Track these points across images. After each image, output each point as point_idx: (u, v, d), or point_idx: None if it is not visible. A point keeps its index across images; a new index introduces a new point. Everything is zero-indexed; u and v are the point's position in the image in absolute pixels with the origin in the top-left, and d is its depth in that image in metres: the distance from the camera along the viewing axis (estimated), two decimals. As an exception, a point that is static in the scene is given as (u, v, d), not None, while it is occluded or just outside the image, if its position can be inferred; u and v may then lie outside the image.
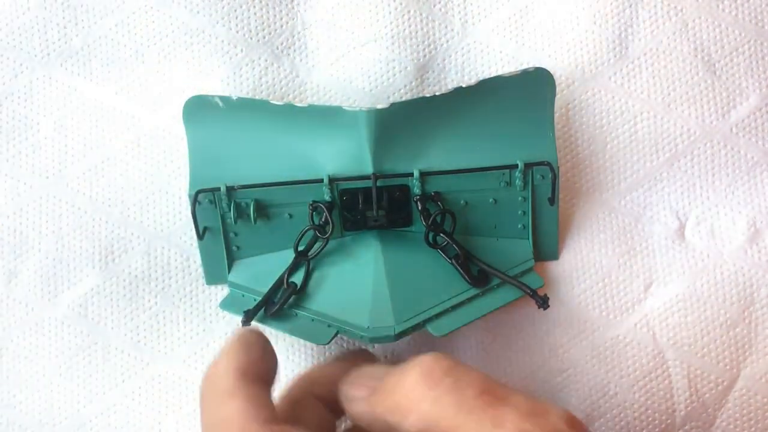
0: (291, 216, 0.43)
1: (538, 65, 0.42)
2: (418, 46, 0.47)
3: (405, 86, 0.46)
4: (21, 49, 0.47)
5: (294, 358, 0.45)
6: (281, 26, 0.47)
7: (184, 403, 0.45)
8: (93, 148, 0.46)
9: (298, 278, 0.43)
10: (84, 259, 0.45)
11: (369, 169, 0.43)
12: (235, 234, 0.44)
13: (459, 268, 0.43)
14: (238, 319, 0.43)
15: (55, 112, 0.46)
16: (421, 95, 0.46)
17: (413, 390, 0.32)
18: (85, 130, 0.46)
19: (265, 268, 0.44)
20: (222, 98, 0.43)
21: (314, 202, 0.43)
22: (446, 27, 0.47)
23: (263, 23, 0.47)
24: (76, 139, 0.46)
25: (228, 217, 0.43)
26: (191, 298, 0.45)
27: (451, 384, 0.32)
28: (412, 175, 0.43)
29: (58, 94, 0.47)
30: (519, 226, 0.45)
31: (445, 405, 0.31)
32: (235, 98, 0.43)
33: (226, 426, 0.33)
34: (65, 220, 0.46)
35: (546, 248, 0.45)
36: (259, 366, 0.36)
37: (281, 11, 0.47)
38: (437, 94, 0.41)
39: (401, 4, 0.47)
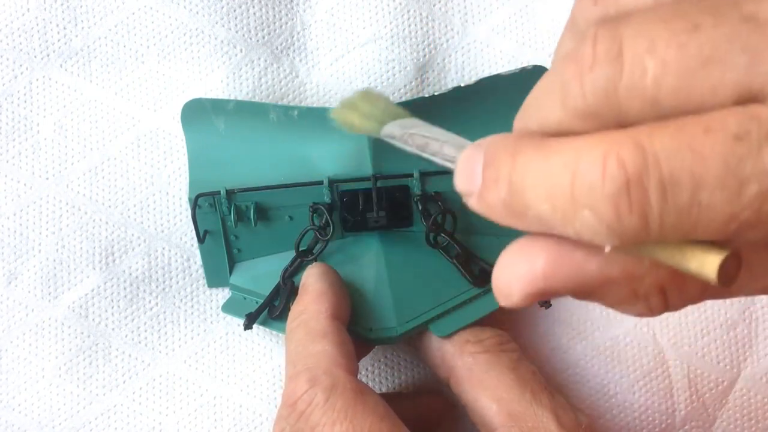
0: (291, 218, 0.43)
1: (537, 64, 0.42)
2: (418, 45, 0.46)
3: (405, 86, 0.46)
4: (21, 50, 0.47)
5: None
6: (281, 26, 0.47)
7: (185, 403, 0.45)
8: (93, 149, 0.46)
9: (299, 280, 0.43)
10: (84, 260, 0.45)
11: (369, 171, 0.43)
12: (236, 237, 0.44)
13: (460, 268, 0.42)
14: (239, 320, 0.43)
15: (55, 113, 0.46)
16: (420, 95, 0.45)
17: None
18: (85, 131, 0.46)
19: (266, 270, 0.44)
20: (215, 109, 0.43)
21: (314, 203, 0.43)
22: (446, 26, 0.47)
23: (263, 23, 0.47)
24: (76, 139, 0.46)
25: (228, 220, 0.43)
26: (192, 299, 0.45)
27: None
28: (412, 175, 0.43)
29: (58, 95, 0.46)
30: None
31: None
32: (231, 105, 0.43)
33: (314, 362, 0.36)
34: (65, 221, 0.46)
35: None
36: (345, 306, 0.40)
37: (281, 11, 0.47)
38: (436, 94, 0.41)
39: (401, 3, 0.47)
